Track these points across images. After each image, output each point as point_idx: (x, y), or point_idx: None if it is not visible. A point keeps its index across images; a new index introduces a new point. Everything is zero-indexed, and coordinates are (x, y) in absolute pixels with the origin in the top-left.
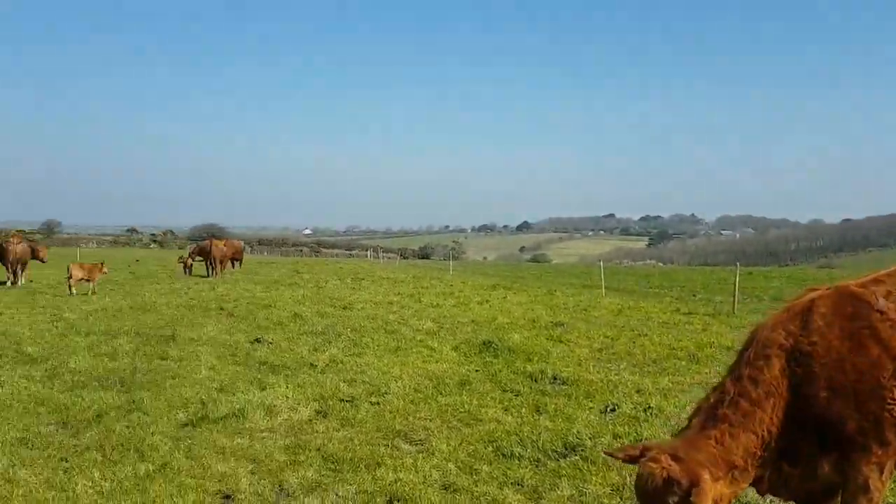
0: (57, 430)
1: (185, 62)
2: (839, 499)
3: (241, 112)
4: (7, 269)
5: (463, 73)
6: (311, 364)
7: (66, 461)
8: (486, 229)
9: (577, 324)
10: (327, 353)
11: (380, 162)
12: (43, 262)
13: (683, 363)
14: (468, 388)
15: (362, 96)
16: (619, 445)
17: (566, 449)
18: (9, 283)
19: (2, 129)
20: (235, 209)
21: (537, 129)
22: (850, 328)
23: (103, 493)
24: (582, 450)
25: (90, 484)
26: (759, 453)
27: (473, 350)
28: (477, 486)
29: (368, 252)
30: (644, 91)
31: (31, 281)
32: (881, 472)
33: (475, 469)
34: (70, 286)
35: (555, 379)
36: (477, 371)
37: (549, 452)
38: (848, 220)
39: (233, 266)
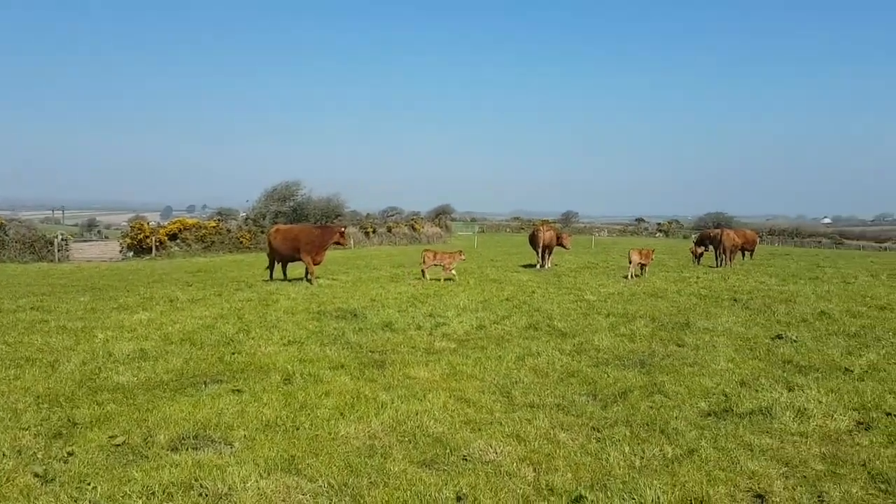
0: (587, 401)
1: None
2: None
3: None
4: (537, 253)
5: None
6: (846, 369)
7: (598, 431)
8: None
9: None
10: (864, 359)
11: None
12: (566, 248)
13: None
14: None
15: None
16: None
17: None
18: (538, 266)
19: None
20: (740, 197)
21: None
22: None
23: (634, 467)
24: None
25: (621, 457)
26: None
27: None
28: None
29: None
30: None
31: (556, 265)
32: None
33: None
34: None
35: None
36: None
37: None
38: None
39: (743, 256)
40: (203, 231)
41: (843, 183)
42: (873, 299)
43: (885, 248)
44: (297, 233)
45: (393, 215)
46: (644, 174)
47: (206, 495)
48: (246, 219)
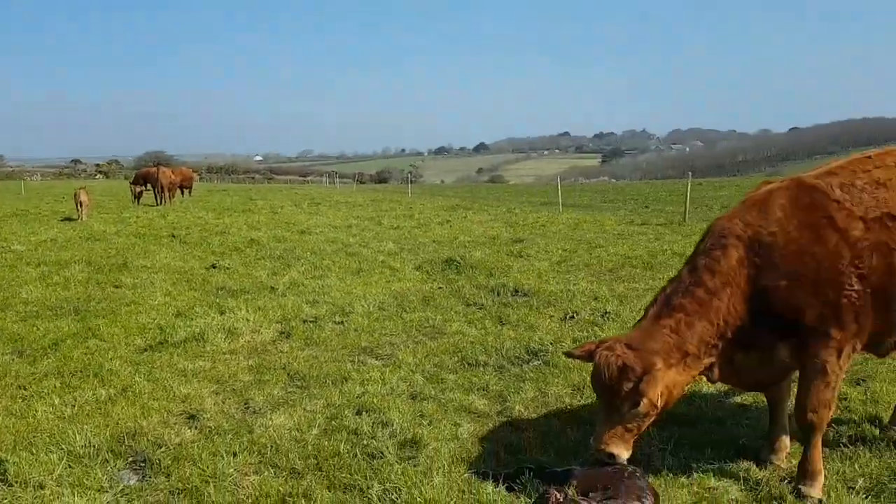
0: (13, 360)
1: None
2: (785, 383)
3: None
4: None
5: None
6: (272, 287)
7: (25, 389)
8: (444, 152)
9: (535, 239)
10: (287, 277)
11: (333, 84)
12: None
13: (638, 270)
14: (432, 304)
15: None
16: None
17: (528, 355)
18: None
19: None
20: (181, 137)
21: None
22: (808, 218)
23: (65, 417)
24: (544, 355)
25: (50, 409)
26: (713, 342)
27: (436, 268)
28: (444, 393)
29: (324, 178)
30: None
31: None
32: (839, 356)
33: (442, 378)
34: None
35: (516, 291)
36: (440, 288)
37: (513, 359)
38: (795, 128)
39: (182, 194)
40: None
41: (272, 118)
42: (296, 225)
43: (309, 181)
44: None
45: None
46: (77, 111)
47: None
48: None
